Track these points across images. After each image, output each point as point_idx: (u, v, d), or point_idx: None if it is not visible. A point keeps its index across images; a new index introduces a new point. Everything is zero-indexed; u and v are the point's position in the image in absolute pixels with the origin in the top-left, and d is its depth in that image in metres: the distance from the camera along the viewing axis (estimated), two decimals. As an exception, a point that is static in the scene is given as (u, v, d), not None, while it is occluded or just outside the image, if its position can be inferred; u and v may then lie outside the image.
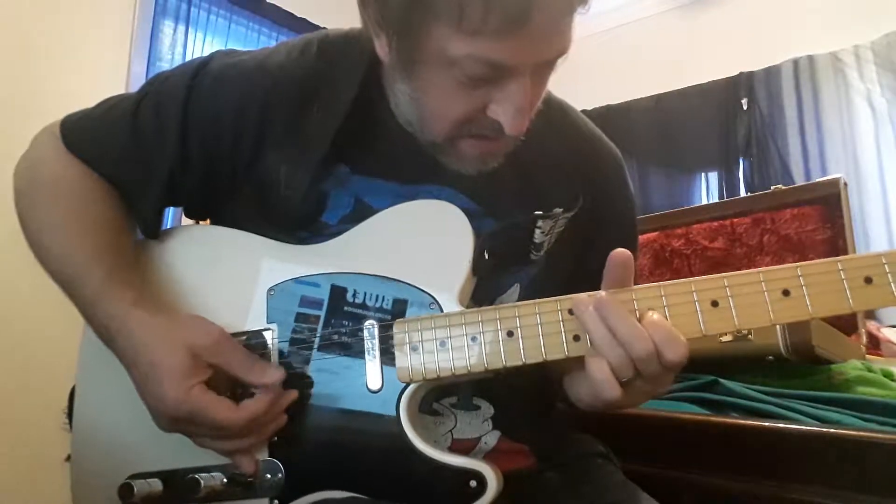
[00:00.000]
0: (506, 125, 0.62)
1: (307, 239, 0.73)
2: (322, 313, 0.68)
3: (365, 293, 0.67)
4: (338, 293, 0.68)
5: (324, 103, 0.71)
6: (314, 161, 0.71)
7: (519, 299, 0.74)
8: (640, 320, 0.56)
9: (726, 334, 1.01)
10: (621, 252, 0.59)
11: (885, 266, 0.54)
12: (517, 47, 0.57)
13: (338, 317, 0.68)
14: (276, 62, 0.73)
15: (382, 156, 0.69)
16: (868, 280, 0.54)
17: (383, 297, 0.67)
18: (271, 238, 0.73)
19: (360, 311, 0.67)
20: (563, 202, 0.76)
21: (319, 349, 0.67)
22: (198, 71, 0.74)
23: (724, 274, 0.58)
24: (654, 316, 0.56)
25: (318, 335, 0.68)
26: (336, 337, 0.67)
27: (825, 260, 0.56)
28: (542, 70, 0.62)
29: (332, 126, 0.71)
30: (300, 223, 0.73)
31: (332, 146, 0.71)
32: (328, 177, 0.72)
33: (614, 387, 0.56)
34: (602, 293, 0.58)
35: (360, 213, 0.72)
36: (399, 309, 0.66)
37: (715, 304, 0.57)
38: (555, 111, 0.79)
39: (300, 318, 0.69)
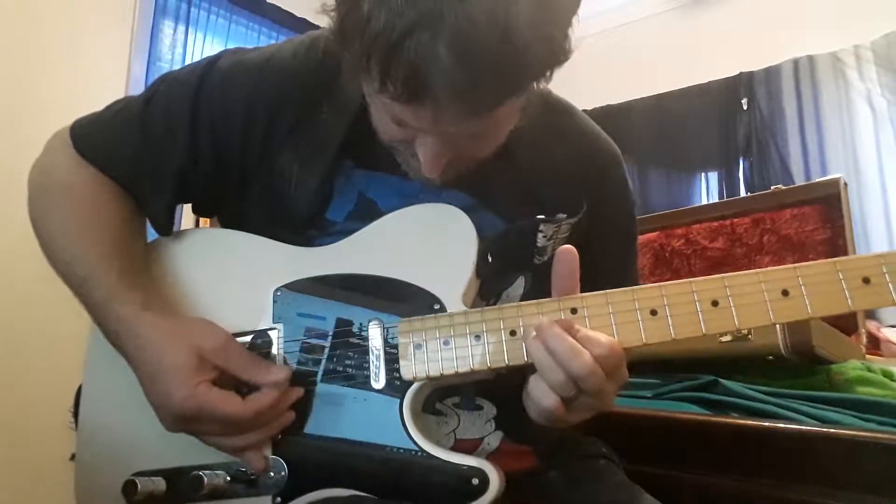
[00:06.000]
0: (422, 167, 0.62)
1: (315, 238, 0.73)
2: (324, 314, 0.69)
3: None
4: (340, 325, 0.69)
5: (334, 102, 0.72)
6: (326, 159, 0.72)
7: (523, 293, 0.75)
8: (576, 335, 0.57)
9: (726, 334, 1.02)
10: (567, 248, 0.61)
11: (883, 267, 0.55)
12: (418, 115, 0.56)
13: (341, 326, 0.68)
14: (283, 59, 0.74)
15: (386, 150, 0.70)
16: (866, 281, 0.55)
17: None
18: (279, 239, 0.74)
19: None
20: (567, 208, 0.76)
21: (324, 347, 0.68)
22: (207, 70, 0.74)
23: (723, 274, 0.58)
24: (590, 331, 0.58)
25: (323, 334, 0.68)
26: (341, 337, 0.68)
27: (824, 261, 0.56)
28: (459, 136, 0.60)
29: (343, 124, 0.71)
30: (308, 221, 0.73)
31: (342, 143, 0.72)
32: (337, 173, 0.73)
33: (558, 406, 0.58)
34: (543, 319, 0.59)
35: (363, 208, 0.73)
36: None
37: (715, 303, 0.58)
38: (555, 113, 0.79)
39: (303, 318, 0.69)
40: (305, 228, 0.73)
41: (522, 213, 0.74)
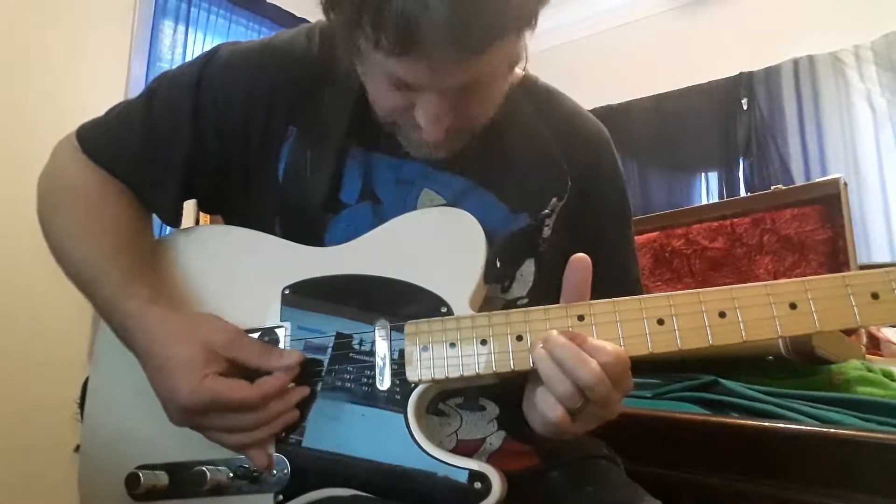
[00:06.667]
0: (423, 131, 0.64)
1: (331, 220, 0.74)
2: (331, 318, 0.69)
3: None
4: (340, 339, 0.69)
5: (336, 88, 0.73)
6: (334, 144, 0.73)
7: (534, 271, 0.76)
8: (582, 344, 0.57)
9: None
10: (581, 257, 0.61)
11: (893, 283, 0.54)
12: (414, 69, 0.58)
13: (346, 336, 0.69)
14: (281, 46, 0.76)
15: (387, 133, 0.71)
16: (875, 296, 0.55)
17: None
18: (285, 232, 0.74)
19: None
20: (557, 191, 0.77)
21: (331, 347, 0.68)
22: (206, 61, 0.76)
23: (731, 286, 0.58)
24: (596, 340, 0.58)
25: (331, 334, 0.68)
26: (348, 339, 0.68)
27: (832, 275, 0.56)
28: (458, 91, 0.61)
29: (346, 108, 0.73)
30: (324, 205, 0.74)
31: (347, 127, 0.73)
32: (345, 157, 0.74)
33: (564, 417, 0.57)
34: (551, 331, 0.59)
35: (366, 193, 0.74)
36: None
37: (722, 315, 0.58)
38: (541, 96, 0.81)
39: (312, 317, 0.69)
40: (322, 213, 0.74)
41: (521, 202, 0.75)
